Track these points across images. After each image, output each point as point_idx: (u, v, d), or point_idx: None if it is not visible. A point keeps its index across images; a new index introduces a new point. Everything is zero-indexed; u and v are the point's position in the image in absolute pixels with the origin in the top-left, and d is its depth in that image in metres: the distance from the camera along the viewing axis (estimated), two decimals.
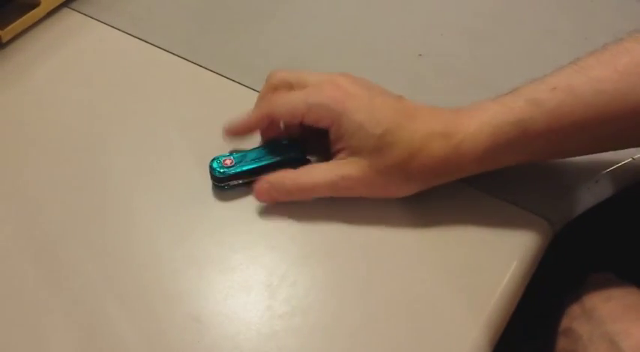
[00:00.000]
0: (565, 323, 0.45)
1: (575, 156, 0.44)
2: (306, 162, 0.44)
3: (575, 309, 0.44)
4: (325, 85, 0.42)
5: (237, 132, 0.44)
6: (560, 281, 0.48)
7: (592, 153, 0.43)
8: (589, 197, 0.45)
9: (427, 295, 0.39)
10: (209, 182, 0.43)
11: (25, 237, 0.41)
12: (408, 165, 0.40)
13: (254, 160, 0.43)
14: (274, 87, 0.44)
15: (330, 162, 0.42)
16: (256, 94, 0.49)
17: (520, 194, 0.43)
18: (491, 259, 0.40)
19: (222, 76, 0.51)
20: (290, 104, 0.42)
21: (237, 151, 0.44)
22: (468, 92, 0.50)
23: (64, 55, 0.52)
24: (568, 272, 0.49)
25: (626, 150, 0.46)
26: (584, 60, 0.39)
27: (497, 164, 0.40)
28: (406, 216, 0.42)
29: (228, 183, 0.43)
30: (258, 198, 0.42)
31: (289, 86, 0.43)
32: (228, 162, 0.43)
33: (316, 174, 0.42)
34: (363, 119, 0.40)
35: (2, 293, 0.39)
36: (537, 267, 0.42)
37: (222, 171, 0.42)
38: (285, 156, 0.43)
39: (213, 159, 0.43)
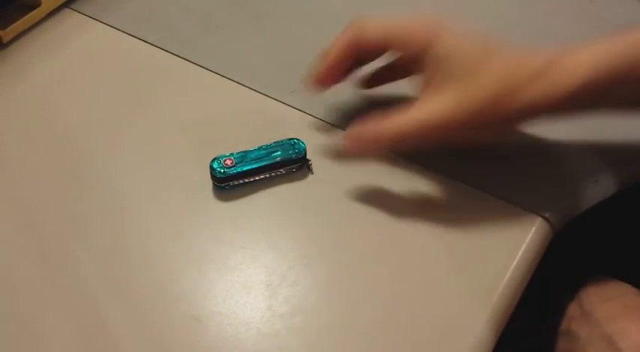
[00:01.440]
0: (564, 324, 0.45)
1: None
2: (307, 162, 0.44)
3: (574, 310, 0.45)
4: (416, 18, 0.40)
5: (325, 72, 0.42)
6: (560, 282, 0.48)
7: None
8: (589, 197, 0.45)
9: (428, 294, 0.39)
10: (209, 182, 0.43)
11: (24, 237, 0.41)
12: (499, 98, 0.37)
13: (254, 160, 0.43)
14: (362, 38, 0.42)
15: (416, 103, 0.39)
16: (256, 94, 0.49)
17: (520, 194, 0.43)
18: (491, 258, 0.40)
19: (222, 76, 0.51)
20: (381, 25, 0.40)
21: (237, 151, 0.44)
22: None
23: (65, 55, 0.52)
24: (567, 272, 0.49)
25: (625, 150, 0.46)
26: None
27: (593, 105, 0.38)
28: (406, 216, 0.42)
29: (228, 183, 0.43)
30: (349, 148, 0.41)
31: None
32: (228, 162, 0.43)
33: (404, 117, 0.39)
34: (453, 46, 0.38)
35: (5, 293, 0.39)
36: (537, 267, 0.42)
37: (222, 171, 0.42)
38: (285, 156, 0.44)
39: (214, 160, 0.43)
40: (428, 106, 0.38)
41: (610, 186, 0.45)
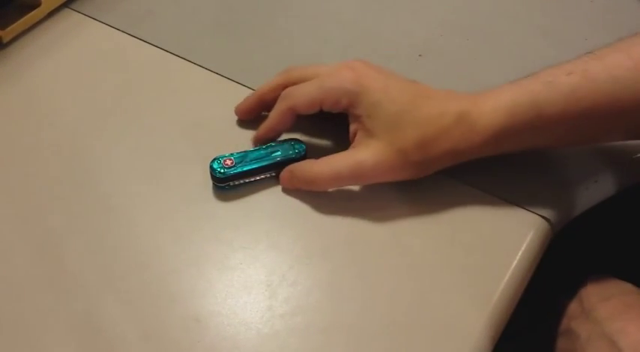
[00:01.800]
0: (564, 323, 0.45)
1: (587, 143, 0.44)
2: None
3: (574, 309, 0.45)
4: (340, 70, 0.42)
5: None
6: (560, 281, 0.48)
7: (605, 141, 0.44)
8: (589, 197, 0.45)
9: (428, 294, 0.39)
10: (210, 182, 0.43)
11: (25, 236, 0.41)
12: (423, 145, 0.40)
13: (254, 160, 0.43)
14: (291, 82, 0.45)
15: (348, 149, 0.42)
16: None
17: (520, 194, 0.43)
18: (491, 259, 0.40)
19: (222, 76, 0.51)
20: (308, 93, 0.42)
21: (237, 151, 0.44)
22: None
23: (65, 55, 0.52)
24: (567, 272, 0.49)
25: (625, 150, 0.46)
26: (601, 49, 0.39)
27: (513, 146, 0.41)
28: (407, 216, 0.42)
29: (228, 184, 0.43)
30: (283, 185, 0.43)
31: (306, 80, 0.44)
32: (228, 162, 0.43)
33: (335, 162, 0.42)
34: (379, 97, 0.40)
35: (2, 293, 0.39)
36: (537, 267, 0.42)
37: (222, 171, 0.42)
38: (285, 156, 0.44)
39: (214, 160, 0.43)
40: (360, 152, 0.41)
41: (610, 186, 0.45)
